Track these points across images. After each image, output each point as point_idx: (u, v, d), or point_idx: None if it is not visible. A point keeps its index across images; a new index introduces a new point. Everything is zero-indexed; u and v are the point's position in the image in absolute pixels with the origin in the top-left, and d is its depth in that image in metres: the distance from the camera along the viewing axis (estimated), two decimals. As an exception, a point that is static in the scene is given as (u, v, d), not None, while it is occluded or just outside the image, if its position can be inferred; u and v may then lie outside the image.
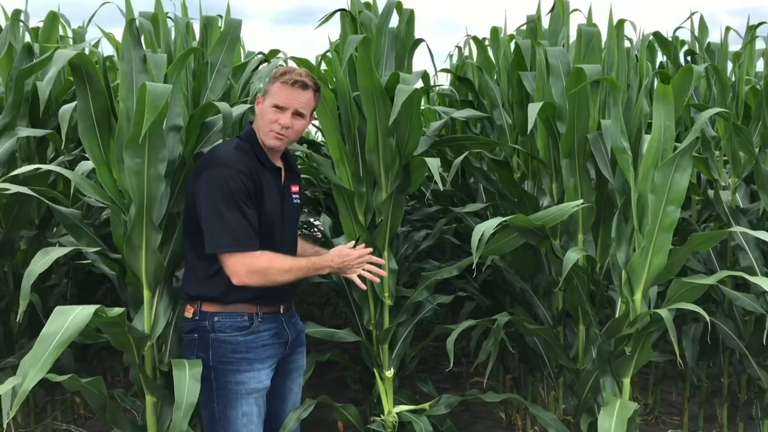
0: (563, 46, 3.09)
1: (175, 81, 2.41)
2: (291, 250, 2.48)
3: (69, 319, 1.88)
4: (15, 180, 2.53)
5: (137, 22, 2.41)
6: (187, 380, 2.23)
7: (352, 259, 2.41)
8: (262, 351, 2.38)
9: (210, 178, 2.24)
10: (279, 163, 2.44)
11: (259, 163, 2.34)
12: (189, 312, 2.38)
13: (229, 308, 2.33)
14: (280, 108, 2.31)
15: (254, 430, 2.38)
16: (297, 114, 2.34)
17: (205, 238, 2.26)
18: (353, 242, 2.52)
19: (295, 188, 2.50)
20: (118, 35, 3.56)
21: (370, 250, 2.49)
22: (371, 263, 2.47)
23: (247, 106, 2.82)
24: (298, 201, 2.53)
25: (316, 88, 2.40)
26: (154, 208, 2.34)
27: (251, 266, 2.23)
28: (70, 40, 3.67)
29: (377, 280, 2.53)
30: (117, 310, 2.09)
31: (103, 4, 2.51)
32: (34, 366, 1.79)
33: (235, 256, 2.23)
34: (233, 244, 2.22)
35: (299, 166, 3.09)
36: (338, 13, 2.90)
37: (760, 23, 3.52)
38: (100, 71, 2.33)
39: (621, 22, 2.85)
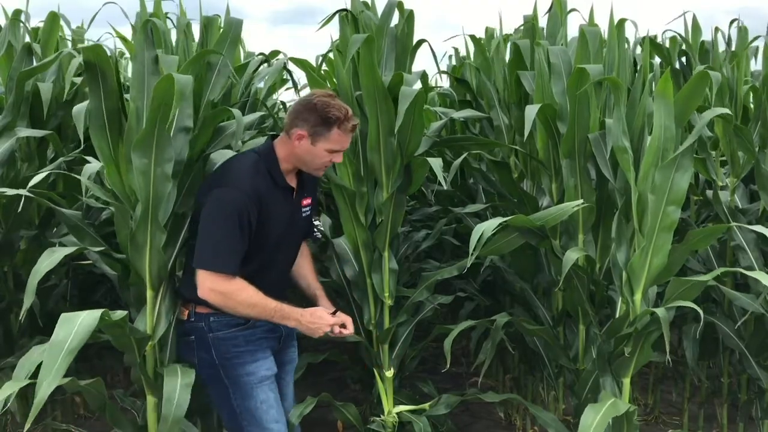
0: (561, 45, 3.08)
1: None
2: (288, 264, 2.60)
3: (76, 325, 1.90)
4: (17, 182, 2.52)
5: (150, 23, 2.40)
6: (178, 391, 2.23)
7: (323, 325, 2.43)
8: (260, 342, 2.44)
9: (219, 196, 2.30)
10: (292, 181, 2.48)
11: (272, 181, 2.38)
12: (184, 314, 2.43)
13: (221, 312, 2.37)
14: (336, 151, 2.40)
15: (275, 414, 2.44)
16: None
17: (195, 252, 2.32)
18: (334, 309, 2.52)
19: (306, 201, 2.55)
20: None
21: (344, 320, 2.49)
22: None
23: (260, 113, 2.81)
24: (308, 213, 2.58)
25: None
26: (160, 208, 2.35)
27: (218, 286, 2.28)
28: (69, 42, 3.66)
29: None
30: (120, 313, 2.11)
31: (106, 3, 2.51)
32: (48, 375, 1.81)
33: (209, 272, 2.29)
34: (211, 263, 2.28)
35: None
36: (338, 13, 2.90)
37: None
38: (113, 69, 2.32)
39: (621, 21, 2.85)
